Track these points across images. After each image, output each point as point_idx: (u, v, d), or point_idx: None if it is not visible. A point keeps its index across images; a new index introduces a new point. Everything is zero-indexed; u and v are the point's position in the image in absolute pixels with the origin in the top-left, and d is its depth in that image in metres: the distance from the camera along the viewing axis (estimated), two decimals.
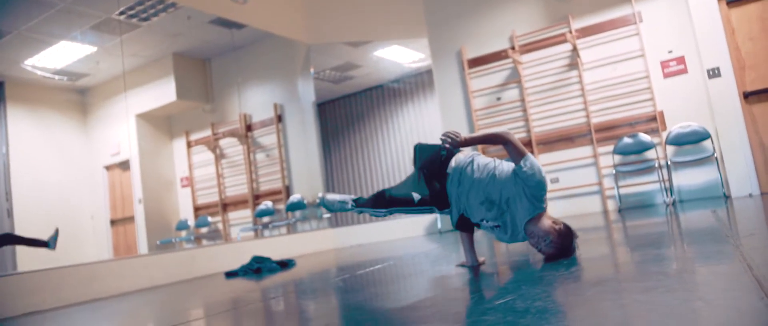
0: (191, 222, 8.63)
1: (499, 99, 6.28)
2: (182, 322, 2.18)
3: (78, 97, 9.08)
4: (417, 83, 9.76)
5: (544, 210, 2.19)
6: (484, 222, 2.29)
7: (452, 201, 2.38)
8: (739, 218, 3.06)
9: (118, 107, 8.72)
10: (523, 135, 6.07)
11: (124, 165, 8.65)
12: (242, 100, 8.37)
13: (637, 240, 2.78)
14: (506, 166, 2.27)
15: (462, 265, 2.52)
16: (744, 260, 1.61)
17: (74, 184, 8.62)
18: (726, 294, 1.28)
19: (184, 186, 8.84)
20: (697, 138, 5.12)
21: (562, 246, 2.14)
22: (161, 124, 8.95)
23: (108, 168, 8.91)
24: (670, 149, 5.30)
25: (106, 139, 8.85)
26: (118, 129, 8.68)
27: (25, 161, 7.99)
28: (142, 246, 8.20)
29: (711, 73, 4.92)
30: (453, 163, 2.40)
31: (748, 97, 4.83)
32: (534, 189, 2.13)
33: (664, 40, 5.43)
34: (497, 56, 6.27)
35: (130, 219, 8.48)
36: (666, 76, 5.41)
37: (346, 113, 10.52)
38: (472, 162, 2.36)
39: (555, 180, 5.82)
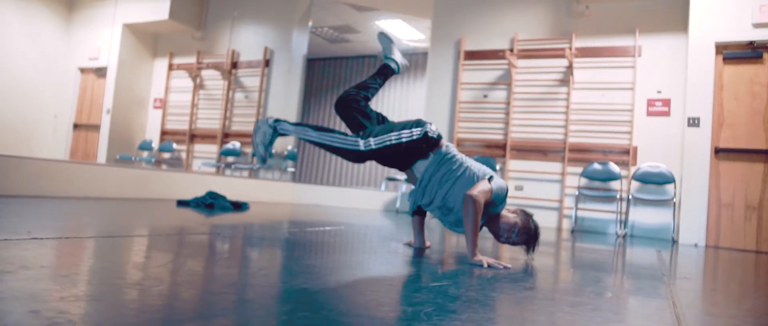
0: (155, 144, 8.49)
1: (485, 96, 6.31)
2: (123, 235, 2.16)
3: None
4: (410, 62, 9.70)
5: (499, 212, 2.27)
6: (445, 221, 2.34)
7: (411, 199, 2.42)
8: (680, 263, 3.17)
9: (106, 12, 8.45)
10: (500, 137, 6.12)
11: (101, 72, 8.42)
12: (234, 35, 8.21)
13: (581, 261, 2.85)
14: (467, 176, 2.24)
15: (409, 245, 2.56)
16: (671, 298, 1.68)
17: (44, 79, 8.38)
18: (645, 323, 1.33)
19: (156, 107, 8.66)
20: (662, 180, 5.26)
21: (527, 230, 2.27)
22: (147, 40, 8.72)
23: (83, 71, 8.66)
24: (634, 184, 5.42)
25: (87, 41, 8.59)
26: (102, 34, 8.42)
27: None
28: (101, 157, 8.05)
29: (691, 121, 5.03)
30: (420, 168, 2.32)
31: (718, 152, 4.97)
32: (496, 200, 2.22)
33: (656, 80, 5.51)
34: (494, 54, 6.28)
35: (95, 127, 8.30)
36: (649, 114, 5.51)
37: (334, 75, 10.42)
38: (436, 172, 2.28)
39: (519, 188, 5.91)
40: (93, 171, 4.49)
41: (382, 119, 2.45)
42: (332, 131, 2.31)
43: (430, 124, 2.31)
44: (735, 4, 4.95)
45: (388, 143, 2.24)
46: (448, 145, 2.35)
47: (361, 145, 2.25)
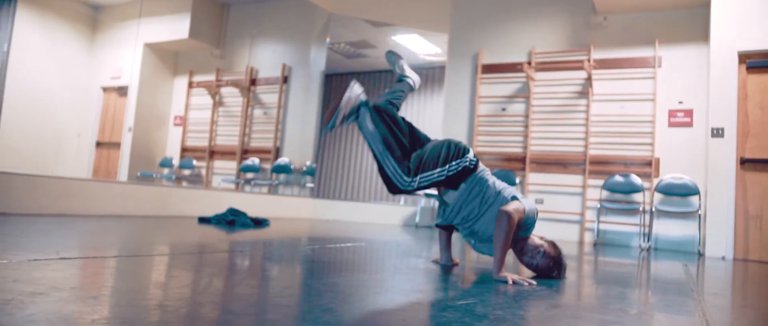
0: (176, 161, 8.60)
1: (504, 110, 6.28)
2: (145, 254, 2.18)
3: (91, 12, 8.96)
4: (427, 77, 9.73)
5: (529, 235, 2.23)
6: (469, 241, 2.33)
7: (441, 215, 2.37)
8: (708, 277, 3.09)
9: (128, 32, 8.63)
10: (519, 151, 6.08)
11: (122, 91, 8.58)
12: (252, 53, 8.31)
13: (605, 275, 2.80)
14: (499, 203, 2.20)
15: (435, 262, 2.54)
16: (703, 315, 1.64)
17: (68, 98, 8.55)
18: None
19: (176, 124, 8.78)
20: (686, 192, 5.17)
21: (555, 257, 2.20)
22: (167, 59, 8.87)
23: (105, 90, 8.83)
24: (657, 196, 5.34)
25: (109, 61, 8.76)
26: (124, 54, 8.59)
27: (24, 64, 7.91)
28: (123, 174, 8.17)
29: (714, 132, 4.95)
30: (450, 196, 2.29)
31: (744, 163, 4.87)
32: (527, 222, 2.17)
33: (677, 90, 5.45)
34: (512, 68, 6.26)
35: (117, 145, 8.43)
36: (671, 125, 5.44)
37: None
38: (466, 202, 2.25)
39: (539, 202, 5.85)
40: (115, 189, 4.55)
41: (411, 129, 2.35)
42: (394, 153, 2.23)
43: (470, 151, 2.26)
44: (758, 13, 4.88)
45: (429, 181, 2.21)
46: (481, 170, 2.27)
47: (406, 183, 2.19)
